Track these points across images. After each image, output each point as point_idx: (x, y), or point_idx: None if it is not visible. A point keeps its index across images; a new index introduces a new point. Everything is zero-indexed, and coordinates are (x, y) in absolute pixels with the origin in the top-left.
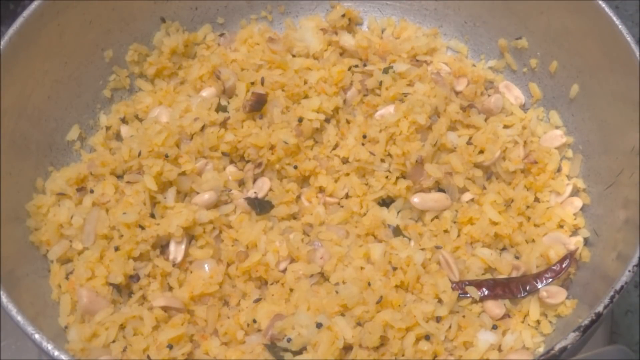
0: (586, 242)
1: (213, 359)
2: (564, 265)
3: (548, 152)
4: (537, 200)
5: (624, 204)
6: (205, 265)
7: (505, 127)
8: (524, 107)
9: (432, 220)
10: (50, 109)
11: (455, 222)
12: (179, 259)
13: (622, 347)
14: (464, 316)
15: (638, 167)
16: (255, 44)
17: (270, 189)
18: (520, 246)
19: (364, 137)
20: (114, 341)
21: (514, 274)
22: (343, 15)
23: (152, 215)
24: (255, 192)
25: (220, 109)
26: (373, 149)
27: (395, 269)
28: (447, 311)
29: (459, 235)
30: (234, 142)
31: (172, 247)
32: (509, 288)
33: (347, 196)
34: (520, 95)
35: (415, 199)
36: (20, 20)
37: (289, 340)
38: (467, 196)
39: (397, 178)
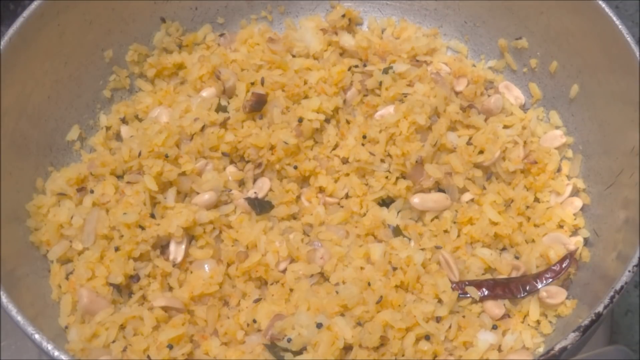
0: (586, 242)
1: (213, 359)
2: (564, 266)
3: (548, 152)
4: (537, 200)
5: (624, 204)
6: (205, 266)
7: (505, 127)
8: (524, 107)
9: (432, 220)
10: (50, 109)
11: (455, 222)
12: (179, 259)
13: (622, 347)
14: (464, 316)
15: (638, 167)
16: (255, 44)
17: (270, 189)
18: (520, 246)
19: (364, 137)
20: (114, 341)
21: (514, 274)
22: (343, 16)
23: (152, 216)
24: (255, 192)
25: (220, 109)
26: (373, 149)
27: (395, 269)
28: (447, 311)
29: (459, 236)
30: (234, 143)
31: (172, 247)
32: (509, 288)
33: (347, 196)
34: (520, 95)
35: (415, 200)
36: (20, 20)
37: (289, 340)
38: (467, 196)
39: (397, 178)
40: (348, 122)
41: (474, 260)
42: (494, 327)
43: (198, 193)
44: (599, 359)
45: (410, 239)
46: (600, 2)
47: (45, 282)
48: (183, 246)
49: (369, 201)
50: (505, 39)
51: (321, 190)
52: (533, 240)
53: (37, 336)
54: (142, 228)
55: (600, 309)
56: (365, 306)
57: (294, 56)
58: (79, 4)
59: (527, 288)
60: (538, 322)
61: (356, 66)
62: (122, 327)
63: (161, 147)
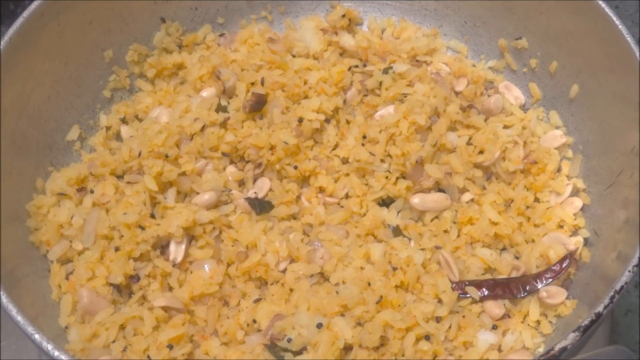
0: (586, 242)
1: (213, 359)
2: (564, 266)
3: (548, 152)
4: (537, 200)
5: (624, 204)
6: (205, 266)
7: (505, 127)
8: (524, 107)
9: (432, 220)
10: (50, 109)
11: (455, 222)
12: (179, 259)
13: (622, 347)
14: (464, 316)
15: (638, 167)
16: (255, 44)
17: (270, 189)
18: (520, 246)
19: (364, 137)
20: (114, 341)
21: (514, 274)
22: (343, 16)
23: (152, 216)
24: (255, 192)
25: (220, 109)
26: (373, 149)
27: (395, 269)
28: (447, 311)
29: (459, 236)
30: (234, 143)
31: (172, 247)
32: (509, 288)
33: (347, 196)
34: (520, 95)
35: (415, 200)
36: (20, 20)
37: (289, 340)
38: (467, 196)
39: (397, 178)
40: (348, 122)
41: (474, 260)
42: (494, 327)
43: (198, 193)
44: (599, 359)
45: (410, 239)
46: (600, 2)
47: (45, 282)
48: (183, 246)
49: (369, 201)
50: (505, 39)
51: (321, 190)
52: (533, 240)
53: (37, 336)
54: (142, 228)
55: (600, 309)
56: (365, 306)
57: (294, 56)
58: (79, 4)
59: (527, 288)
60: (538, 322)
61: (356, 66)
62: (122, 327)
63: (161, 147)
